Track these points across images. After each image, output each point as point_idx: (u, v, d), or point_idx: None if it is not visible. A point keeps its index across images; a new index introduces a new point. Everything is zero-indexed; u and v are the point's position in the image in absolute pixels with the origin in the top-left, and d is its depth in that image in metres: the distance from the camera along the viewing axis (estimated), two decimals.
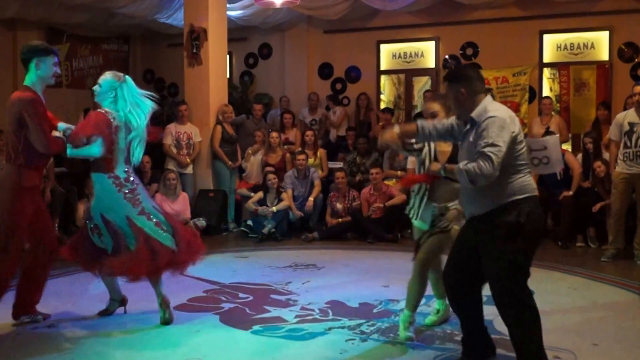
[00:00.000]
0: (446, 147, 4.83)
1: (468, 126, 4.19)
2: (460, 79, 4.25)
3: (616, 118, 7.98)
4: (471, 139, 4.10)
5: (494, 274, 4.15)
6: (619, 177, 7.77)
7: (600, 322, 5.45)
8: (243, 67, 13.86)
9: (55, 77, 5.41)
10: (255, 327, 5.35)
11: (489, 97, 4.21)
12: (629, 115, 7.74)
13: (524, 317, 4.13)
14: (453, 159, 4.62)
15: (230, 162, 10.27)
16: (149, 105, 5.36)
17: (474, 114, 4.12)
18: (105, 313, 5.64)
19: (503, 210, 4.06)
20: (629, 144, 7.66)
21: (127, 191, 5.23)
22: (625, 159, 7.70)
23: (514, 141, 4.01)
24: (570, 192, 8.74)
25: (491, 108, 4.10)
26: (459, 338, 4.71)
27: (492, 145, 3.91)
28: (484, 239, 4.15)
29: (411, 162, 9.58)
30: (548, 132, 9.06)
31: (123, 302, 5.73)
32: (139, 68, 14.80)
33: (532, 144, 4.04)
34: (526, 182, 4.13)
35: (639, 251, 7.74)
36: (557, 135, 8.50)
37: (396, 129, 4.43)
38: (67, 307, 5.91)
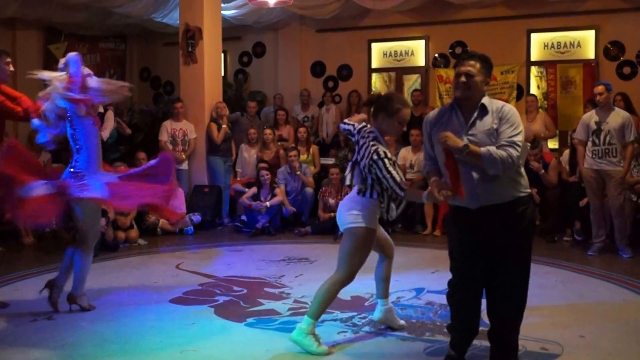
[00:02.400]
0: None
1: (475, 114, 4.13)
2: (490, 65, 4.24)
3: (582, 119, 8.19)
4: (489, 125, 4.08)
5: (514, 273, 4.22)
6: (589, 174, 7.97)
7: (587, 315, 5.51)
8: (237, 65, 13.96)
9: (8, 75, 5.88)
10: (249, 320, 5.40)
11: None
12: (594, 115, 7.94)
13: (523, 314, 4.30)
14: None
15: (223, 125, 10.43)
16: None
17: (484, 101, 4.14)
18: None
19: (521, 202, 4.14)
20: (597, 142, 7.85)
21: None
22: (594, 156, 7.89)
23: None
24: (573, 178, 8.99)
25: (492, 99, 4.22)
26: None
27: (520, 134, 4.03)
28: (502, 232, 4.14)
29: (401, 158, 9.85)
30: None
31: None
32: (135, 66, 14.86)
33: None
34: (526, 178, 4.25)
35: (623, 246, 7.91)
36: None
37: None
38: (64, 300, 5.85)
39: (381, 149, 4.53)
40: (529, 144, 7.91)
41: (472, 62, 4.15)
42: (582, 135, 8.04)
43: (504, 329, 4.30)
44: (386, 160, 4.49)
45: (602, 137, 7.82)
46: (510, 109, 4.12)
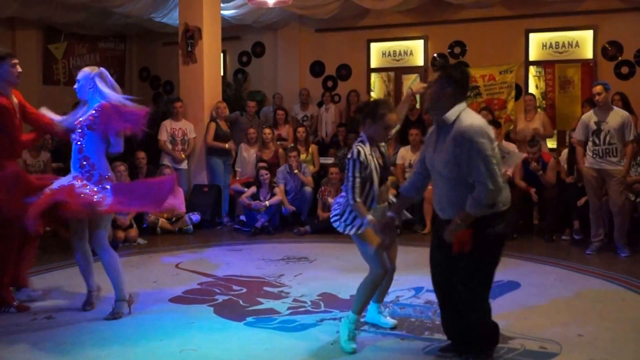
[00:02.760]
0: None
1: (435, 127, 4.18)
2: (458, 79, 4.12)
3: (581, 119, 8.19)
4: (445, 142, 4.03)
5: (466, 280, 4.18)
6: (589, 173, 7.98)
7: (585, 313, 5.53)
8: (237, 65, 13.99)
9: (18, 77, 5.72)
10: (249, 319, 5.42)
11: (464, 104, 4.13)
12: (593, 115, 7.95)
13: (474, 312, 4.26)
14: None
15: (227, 144, 10.41)
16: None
17: (446, 116, 4.06)
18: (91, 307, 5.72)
19: (487, 221, 4.02)
20: (597, 141, 7.86)
21: None
22: (594, 156, 7.89)
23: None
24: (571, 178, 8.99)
25: (466, 117, 4.02)
26: None
27: (487, 159, 3.88)
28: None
29: (400, 157, 9.89)
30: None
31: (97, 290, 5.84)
32: (135, 66, 14.89)
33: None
34: (508, 192, 4.13)
35: (622, 245, 7.93)
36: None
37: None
38: (65, 299, 6.00)
39: (362, 151, 4.68)
40: (517, 152, 7.88)
41: (434, 75, 4.22)
42: (581, 135, 8.05)
43: (458, 324, 4.38)
44: (357, 163, 4.64)
45: (602, 137, 7.83)
46: (473, 130, 3.93)
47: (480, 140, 3.90)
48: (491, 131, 4.01)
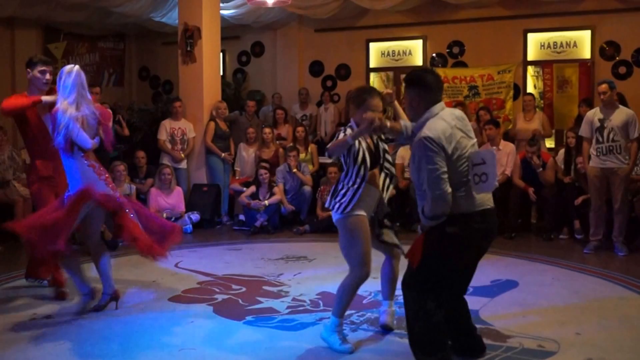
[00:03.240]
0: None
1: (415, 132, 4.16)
2: (416, 83, 4.16)
3: (586, 116, 8.17)
4: (413, 149, 4.09)
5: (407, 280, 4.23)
6: (593, 172, 7.98)
7: (583, 312, 5.56)
8: (236, 64, 14.01)
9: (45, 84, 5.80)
10: (248, 318, 5.44)
11: (438, 106, 4.11)
12: (598, 112, 7.97)
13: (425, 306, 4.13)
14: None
15: (223, 154, 10.44)
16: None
17: (415, 124, 4.13)
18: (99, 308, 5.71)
19: (449, 221, 4.02)
20: (600, 139, 7.87)
21: None
22: (598, 154, 7.91)
23: (450, 158, 3.95)
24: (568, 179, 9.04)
25: (429, 124, 4.01)
26: None
27: (429, 170, 3.91)
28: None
29: (400, 157, 9.91)
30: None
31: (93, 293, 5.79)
32: (134, 66, 14.89)
33: (473, 157, 3.97)
34: (476, 197, 4.06)
35: (619, 244, 7.95)
36: (494, 149, 8.83)
37: (387, 123, 4.46)
38: (65, 298, 5.99)
39: (349, 130, 4.78)
40: (493, 149, 7.82)
41: (407, 91, 4.24)
42: (587, 132, 8.05)
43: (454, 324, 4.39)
44: (340, 134, 4.80)
45: (605, 134, 7.84)
46: (420, 141, 3.96)
47: (427, 153, 3.92)
48: (453, 136, 3.99)
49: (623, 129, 7.79)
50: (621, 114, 7.85)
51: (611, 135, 7.81)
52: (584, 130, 8.12)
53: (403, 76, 12.65)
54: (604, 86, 7.87)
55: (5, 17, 11.59)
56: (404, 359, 4.39)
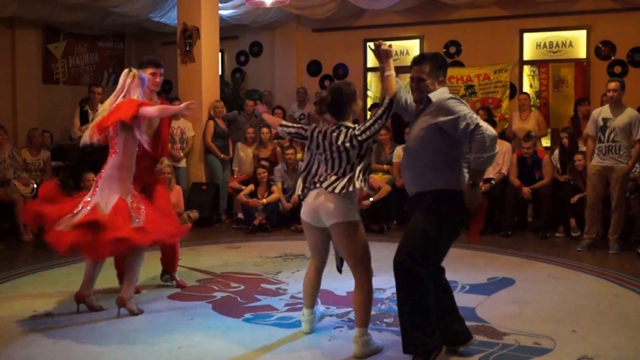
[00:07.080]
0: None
1: (421, 106, 4.35)
2: (429, 60, 4.38)
3: (592, 114, 8.19)
4: (426, 117, 4.26)
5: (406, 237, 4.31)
6: (593, 170, 8.02)
7: (579, 309, 5.57)
8: (234, 64, 14.02)
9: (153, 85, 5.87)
10: (247, 316, 5.46)
11: (447, 88, 4.38)
12: (604, 111, 7.97)
13: (410, 283, 4.21)
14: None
15: (222, 155, 10.52)
16: None
17: (432, 95, 4.28)
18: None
19: (440, 196, 4.20)
20: (602, 138, 7.89)
21: None
22: (599, 152, 7.94)
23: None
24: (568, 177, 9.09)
25: (450, 96, 4.27)
26: None
27: (470, 117, 4.09)
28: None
29: (397, 155, 9.96)
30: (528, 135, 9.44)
31: None
32: (133, 65, 14.48)
33: None
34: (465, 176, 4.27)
35: (613, 242, 7.99)
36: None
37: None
38: (65, 297, 6.01)
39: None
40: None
41: (421, 67, 4.37)
42: (592, 131, 8.08)
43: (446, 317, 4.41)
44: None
45: (606, 134, 7.86)
46: (450, 101, 4.20)
47: (458, 108, 4.17)
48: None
49: (625, 130, 7.80)
50: (625, 115, 7.84)
51: (612, 136, 7.84)
52: (589, 128, 8.16)
53: (401, 75, 12.67)
54: (615, 84, 7.86)
55: (5, 17, 11.62)
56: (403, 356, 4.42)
